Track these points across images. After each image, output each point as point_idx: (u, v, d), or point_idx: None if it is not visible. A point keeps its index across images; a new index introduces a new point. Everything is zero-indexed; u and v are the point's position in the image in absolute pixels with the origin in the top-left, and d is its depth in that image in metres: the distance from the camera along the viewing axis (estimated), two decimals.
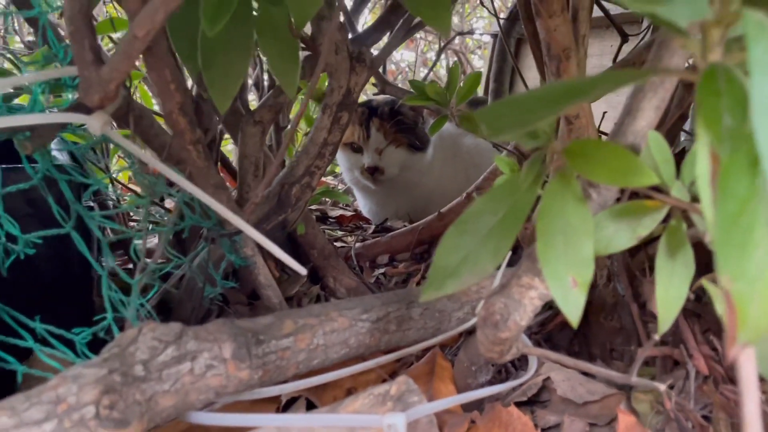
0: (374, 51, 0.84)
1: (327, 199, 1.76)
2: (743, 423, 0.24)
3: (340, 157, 1.44)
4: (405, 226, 1.21)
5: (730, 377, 0.53)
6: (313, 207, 1.58)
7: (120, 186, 0.90)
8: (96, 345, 0.57)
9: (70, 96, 0.64)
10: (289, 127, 1.11)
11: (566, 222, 0.38)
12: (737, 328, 0.23)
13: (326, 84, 0.76)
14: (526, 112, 0.32)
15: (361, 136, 1.36)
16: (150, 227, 0.59)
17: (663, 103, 0.42)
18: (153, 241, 1.06)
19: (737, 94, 0.25)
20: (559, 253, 0.38)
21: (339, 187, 1.95)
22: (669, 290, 0.42)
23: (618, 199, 0.47)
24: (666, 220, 0.43)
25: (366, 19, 2.69)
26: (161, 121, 0.81)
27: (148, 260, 0.58)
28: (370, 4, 1.65)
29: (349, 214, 1.57)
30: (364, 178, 1.39)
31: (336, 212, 1.59)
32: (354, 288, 0.92)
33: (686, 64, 0.47)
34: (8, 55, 0.85)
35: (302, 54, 0.78)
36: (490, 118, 0.32)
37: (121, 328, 0.56)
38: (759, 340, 0.24)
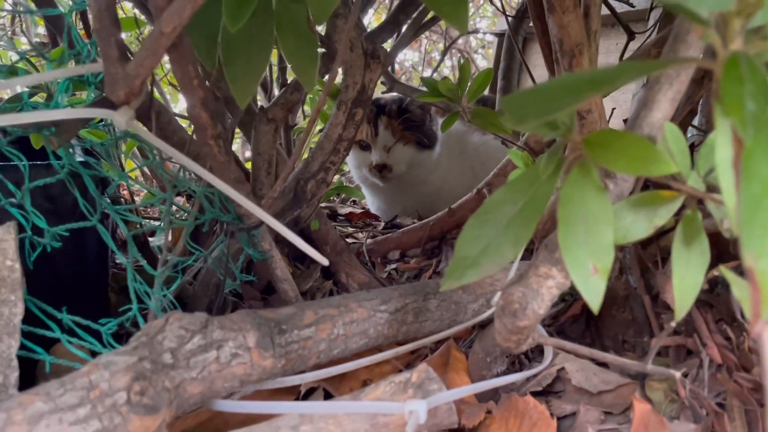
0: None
1: (336, 198, 1.77)
2: (766, 399, 0.25)
3: (349, 154, 1.44)
4: (414, 223, 1.22)
5: (744, 365, 0.54)
6: (323, 204, 1.59)
7: (135, 183, 0.91)
8: (116, 340, 0.58)
9: (83, 95, 0.65)
10: (307, 122, 1.12)
11: (587, 210, 0.39)
12: (761, 305, 0.24)
13: (341, 81, 0.77)
14: (549, 100, 0.32)
15: (370, 133, 1.37)
16: (171, 220, 0.60)
17: (679, 95, 0.43)
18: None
19: (759, 81, 0.26)
20: (580, 241, 0.39)
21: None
22: (685, 279, 0.43)
23: (631, 192, 0.48)
24: (680, 211, 0.44)
25: (370, 20, 2.70)
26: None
27: (170, 253, 0.59)
28: (374, 6, 1.66)
29: (358, 211, 1.58)
30: (373, 176, 1.39)
31: (345, 209, 1.61)
32: (366, 283, 0.93)
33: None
34: (29, 60, 0.86)
35: None
36: (515, 107, 0.33)
37: (143, 320, 0.57)
38: None
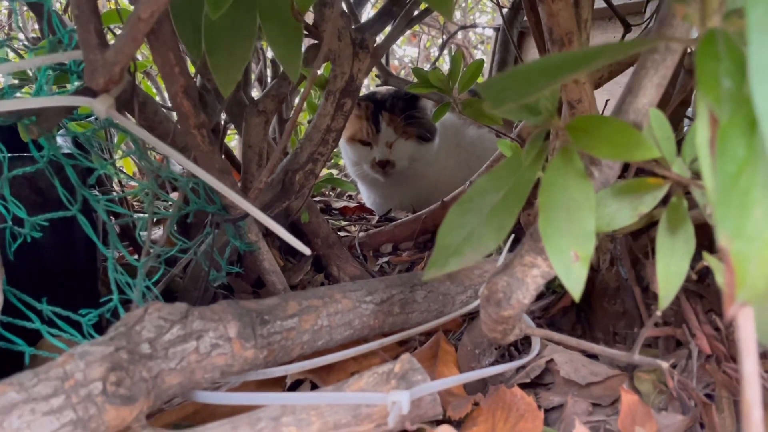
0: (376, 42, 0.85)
1: (330, 192, 1.77)
2: (742, 382, 0.24)
3: (347, 151, 1.43)
4: (407, 216, 1.21)
5: (732, 356, 0.54)
6: (317, 198, 1.58)
7: (123, 175, 0.90)
8: (103, 330, 0.57)
9: (76, 84, 0.64)
10: (292, 112, 1.11)
11: (569, 197, 0.39)
12: (736, 287, 0.23)
13: (329, 71, 0.76)
14: (527, 83, 0.32)
15: (370, 131, 1.36)
16: (156, 212, 0.60)
17: (664, 81, 0.42)
18: (158, 232, 1.07)
19: (736, 57, 0.25)
20: (561, 228, 0.38)
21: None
22: (670, 266, 0.42)
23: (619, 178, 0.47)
24: (666, 200, 0.43)
25: (369, 13, 2.69)
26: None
27: (153, 244, 0.58)
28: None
29: (352, 205, 1.58)
30: (375, 172, 1.38)
31: (339, 203, 1.60)
32: (358, 276, 0.92)
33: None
34: (14, 48, 0.86)
35: (306, 41, 0.79)
36: (493, 91, 0.33)
37: (127, 311, 0.57)
38: (757, 302, 0.24)
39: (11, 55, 0.87)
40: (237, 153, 1.77)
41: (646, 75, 0.42)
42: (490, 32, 3.00)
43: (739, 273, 0.23)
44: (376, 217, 1.42)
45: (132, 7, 0.87)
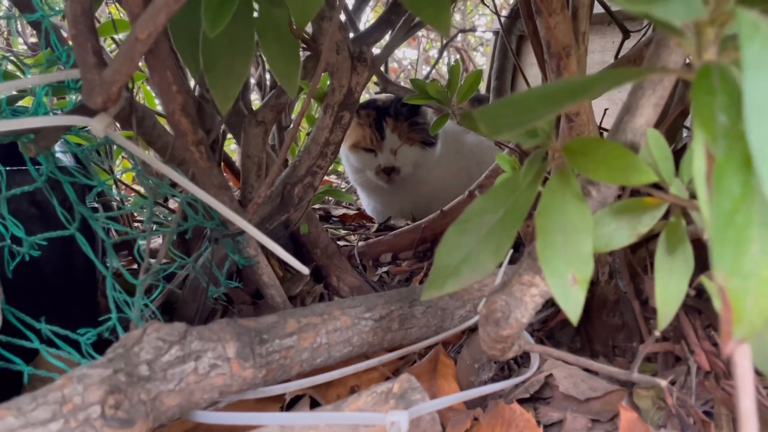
0: (376, 50, 0.85)
1: (330, 198, 1.76)
2: (739, 417, 0.24)
3: (350, 158, 1.43)
4: (408, 224, 1.21)
5: (732, 372, 0.53)
6: (317, 206, 1.58)
7: (124, 187, 0.91)
8: (102, 346, 0.57)
9: (73, 98, 0.64)
10: (291, 126, 1.11)
11: (566, 219, 0.39)
12: (733, 324, 0.23)
13: (327, 84, 0.76)
14: (525, 111, 0.32)
15: (374, 138, 1.36)
16: (154, 227, 0.60)
17: (662, 101, 0.42)
18: (157, 241, 1.07)
19: (731, 92, 0.25)
20: (558, 251, 0.38)
21: (342, 187, 1.95)
22: (668, 286, 0.42)
23: (619, 196, 0.47)
24: (665, 217, 0.43)
25: (368, 18, 2.69)
26: (164, 123, 0.82)
27: (153, 260, 0.58)
28: (371, 3, 1.65)
29: (352, 212, 1.58)
30: (379, 179, 1.38)
31: (339, 211, 1.60)
32: (357, 287, 0.92)
33: (686, 61, 0.47)
34: (12, 58, 0.86)
35: (303, 54, 0.79)
36: (490, 118, 0.33)
37: (126, 329, 0.57)
38: (754, 336, 0.24)
39: (11, 66, 0.87)
40: (236, 158, 1.78)
41: (644, 95, 0.42)
42: (489, 35, 3.00)
43: (736, 310, 0.23)
44: (376, 225, 1.42)
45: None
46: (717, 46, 0.27)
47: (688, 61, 0.52)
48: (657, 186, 0.42)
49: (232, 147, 2.29)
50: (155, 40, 0.47)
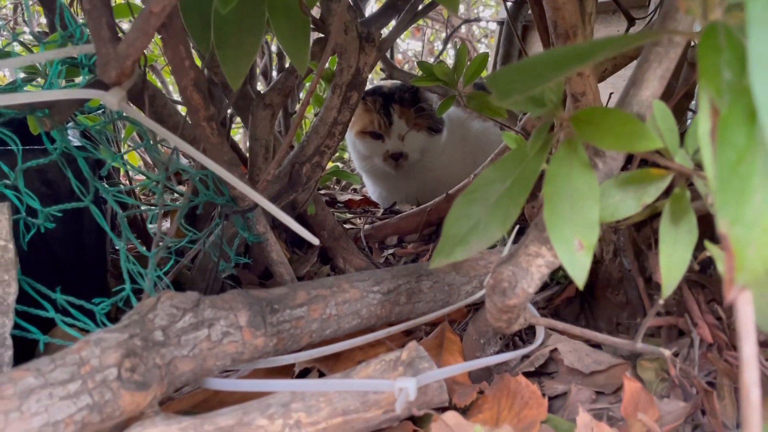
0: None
1: (336, 186, 1.77)
2: (741, 365, 0.25)
3: (357, 145, 1.44)
4: (412, 209, 1.22)
5: (734, 344, 0.54)
6: (322, 191, 1.59)
7: (130, 167, 0.91)
8: (113, 321, 0.58)
9: (84, 78, 0.65)
10: (299, 105, 1.12)
11: (573, 187, 0.39)
12: (735, 272, 0.24)
13: (336, 65, 0.77)
14: (533, 76, 0.33)
15: (382, 123, 1.37)
16: (165, 204, 0.61)
17: (667, 74, 0.43)
18: (165, 224, 1.08)
19: (736, 49, 0.26)
20: (565, 217, 0.39)
21: None
22: (672, 256, 0.43)
23: (623, 169, 0.48)
24: (669, 191, 0.44)
25: (372, 8, 2.69)
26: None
27: (164, 235, 0.59)
28: None
29: (357, 198, 1.58)
30: (387, 165, 1.39)
31: (345, 197, 1.61)
32: (363, 268, 0.93)
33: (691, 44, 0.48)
34: (24, 43, 0.87)
35: (312, 35, 0.79)
36: (500, 83, 0.34)
37: (139, 301, 0.58)
38: (757, 289, 0.25)
39: (18, 47, 0.88)
40: (242, 146, 1.78)
41: (650, 67, 0.43)
42: (493, 26, 3.00)
43: (738, 258, 0.24)
44: (381, 210, 1.43)
45: (141, 2, 0.88)
46: (722, 7, 0.28)
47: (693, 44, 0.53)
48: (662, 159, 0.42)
49: (237, 137, 2.30)
50: (168, 15, 0.48)
